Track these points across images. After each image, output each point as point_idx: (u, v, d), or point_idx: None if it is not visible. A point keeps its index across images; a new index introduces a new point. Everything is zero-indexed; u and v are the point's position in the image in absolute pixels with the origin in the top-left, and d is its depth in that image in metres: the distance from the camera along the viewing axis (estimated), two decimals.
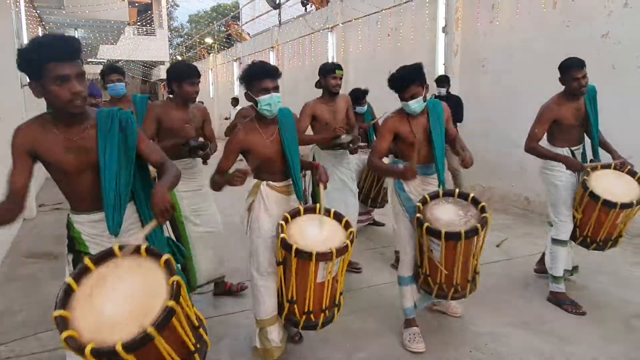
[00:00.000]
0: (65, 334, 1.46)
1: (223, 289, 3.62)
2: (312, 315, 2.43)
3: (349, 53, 10.33)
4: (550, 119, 3.37)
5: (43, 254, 4.79)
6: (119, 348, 1.41)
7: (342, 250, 2.27)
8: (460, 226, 2.58)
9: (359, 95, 4.70)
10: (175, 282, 1.58)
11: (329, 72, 3.79)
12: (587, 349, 2.87)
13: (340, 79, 3.84)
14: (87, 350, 1.41)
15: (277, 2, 14.69)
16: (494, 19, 6.71)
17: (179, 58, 30.53)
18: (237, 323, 3.22)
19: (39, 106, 8.62)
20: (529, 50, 6.19)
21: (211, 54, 22.24)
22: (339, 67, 3.84)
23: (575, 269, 3.77)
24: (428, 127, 2.81)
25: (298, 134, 2.68)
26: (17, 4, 6.17)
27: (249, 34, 19.13)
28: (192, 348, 1.69)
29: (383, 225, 5.56)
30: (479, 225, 2.54)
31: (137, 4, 27.42)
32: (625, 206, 3.10)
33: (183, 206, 3.25)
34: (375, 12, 8.99)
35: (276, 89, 2.43)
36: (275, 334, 2.59)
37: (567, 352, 2.84)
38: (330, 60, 10.72)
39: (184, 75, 3.15)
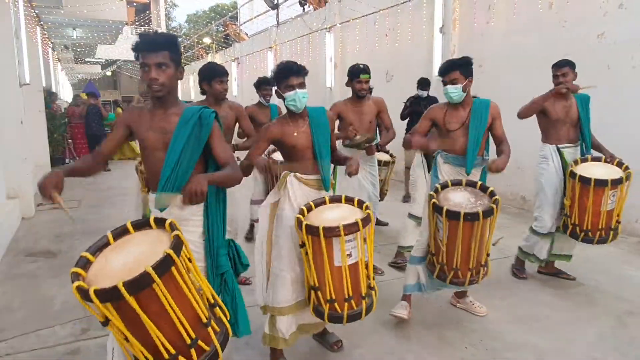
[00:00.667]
0: (76, 283, 1.53)
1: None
2: (335, 305, 2.39)
3: (346, 53, 10.37)
4: (540, 105, 3.65)
5: (42, 253, 4.81)
6: (120, 285, 1.46)
7: (349, 227, 2.26)
8: (464, 209, 2.70)
9: (260, 84, 4.88)
10: (175, 236, 1.66)
11: (354, 76, 3.86)
12: (580, 344, 2.91)
13: (366, 82, 3.87)
14: (91, 291, 1.47)
15: (275, 2, 14.72)
16: (490, 19, 6.75)
17: None
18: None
19: (37, 106, 8.62)
20: (525, 50, 6.23)
21: (209, 54, 22.25)
22: (364, 71, 3.85)
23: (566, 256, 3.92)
24: (467, 121, 3.10)
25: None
26: (16, 3, 6.18)
27: (247, 34, 19.15)
28: (205, 320, 1.71)
29: (386, 224, 5.58)
30: (480, 212, 2.63)
31: (135, 4, 27.41)
32: (600, 183, 3.31)
33: None
34: (372, 13, 9.03)
35: (301, 85, 2.55)
36: (283, 325, 2.60)
37: (561, 348, 2.88)
38: (328, 60, 10.76)
39: (212, 74, 3.39)
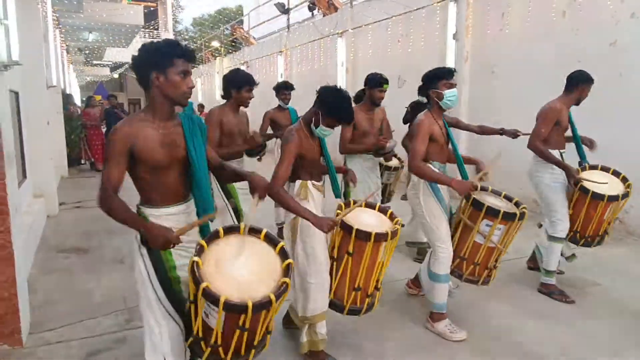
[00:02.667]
0: (222, 298, 1.70)
1: None
2: (372, 299, 2.74)
3: (358, 58, 10.54)
4: (555, 120, 3.63)
5: (73, 249, 4.97)
6: (249, 304, 1.71)
7: (394, 233, 2.59)
8: (512, 209, 3.00)
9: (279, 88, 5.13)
10: (289, 264, 1.90)
11: (376, 85, 3.99)
12: (602, 339, 3.07)
13: (385, 91, 4.05)
14: (250, 305, 1.71)
15: (286, 7, 14.92)
16: (504, 26, 6.92)
17: None
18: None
19: (56, 107, 8.75)
20: (538, 57, 6.39)
21: (217, 58, 22.45)
22: (386, 81, 4.00)
23: (572, 256, 4.05)
24: (445, 129, 3.16)
25: (344, 143, 3.27)
26: (45, 8, 6.37)
27: (254, 38, 19.34)
28: (269, 329, 1.97)
29: (403, 226, 5.71)
30: (526, 210, 2.97)
31: (148, 7, 27.60)
32: (612, 198, 3.46)
33: (241, 201, 3.55)
34: (385, 19, 9.20)
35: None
36: (324, 328, 2.76)
37: (584, 342, 3.03)
38: (339, 65, 10.93)
39: (243, 82, 3.47)
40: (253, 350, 1.92)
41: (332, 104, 2.61)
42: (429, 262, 3.22)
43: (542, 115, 3.66)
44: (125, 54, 21.85)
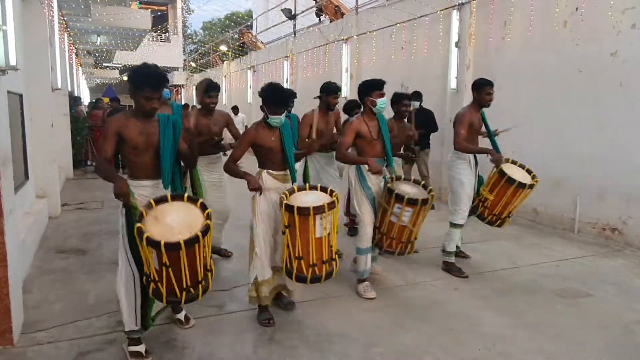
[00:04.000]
0: (146, 234, 2.41)
1: (218, 251, 4.69)
2: (316, 269, 3.08)
3: (362, 64, 10.58)
4: (468, 122, 4.27)
5: (72, 250, 5.04)
6: (181, 242, 2.41)
7: (331, 205, 3.01)
8: (418, 196, 3.69)
9: (354, 106, 5.54)
10: (208, 213, 2.62)
11: (333, 92, 4.74)
12: (591, 350, 3.05)
13: (338, 97, 4.80)
14: (162, 243, 2.39)
15: (293, 13, 15.02)
16: (506, 35, 6.93)
17: (192, 64, 31.03)
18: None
19: (62, 109, 8.88)
20: (539, 66, 6.39)
21: (225, 62, 22.62)
22: (340, 88, 4.79)
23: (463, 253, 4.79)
24: (379, 128, 3.86)
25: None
26: (52, 12, 6.48)
27: (262, 43, 19.49)
28: (208, 268, 2.67)
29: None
30: (429, 197, 3.71)
31: (157, 12, 27.92)
32: (521, 185, 4.11)
33: (207, 192, 4.32)
34: (389, 26, 9.24)
35: (285, 112, 3.30)
36: (266, 290, 3.33)
37: (572, 353, 3.02)
38: (344, 71, 10.98)
39: (206, 89, 4.27)
40: (200, 286, 2.61)
41: (266, 94, 3.23)
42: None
43: (457, 120, 4.30)
44: (135, 57, 22.13)
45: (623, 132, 5.39)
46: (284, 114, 3.27)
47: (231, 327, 3.30)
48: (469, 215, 4.44)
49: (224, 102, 21.29)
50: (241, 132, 4.02)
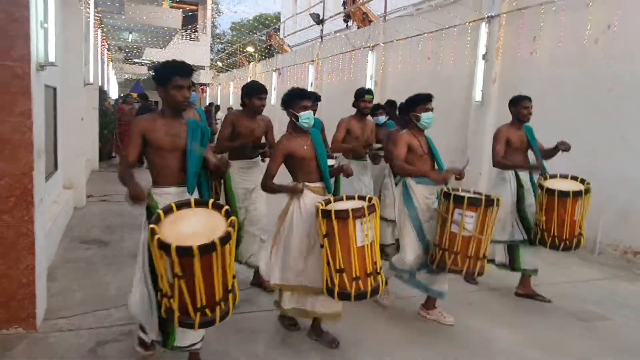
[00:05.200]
0: (157, 236, 2.14)
1: (257, 280, 3.99)
2: (360, 283, 2.78)
3: (387, 73, 10.59)
4: (505, 138, 4.16)
5: (94, 241, 5.19)
6: (194, 247, 2.09)
7: (371, 207, 2.80)
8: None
9: (376, 108, 5.45)
10: (232, 220, 2.31)
11: (360, 96, 4.60)
12: None
13: (370, 102, 4.61)
14: (173, 246, 2.08)
15: (321, 18, 15.12)
16: (535, 50, 6.85)
17: (219, 64, 31.46)
18: (271, 319, 3.47)
19: (92, 103, 9.12)
20: (567, 83, 6.31)
21: (251, 63, 22.88)
22: (368, 92, 4.60)
23: (534, 271, 4.22)
24: (428, 145, 3.67)
25: (336, 143, 3.71)
26: (88, 10, 6.69)
27: (289, 46, 19.66)
28: (230, 287, 2.33)
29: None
30: (495, 199, 3.27)
31: (188, 12, 28.40)
32: (577, 194, 3.74)
33: (239, 199, 3.97)
34: (416, 35, 9.24)
35: (312, 108, 3.16)
36: (288, 301, 3.16)
37: None
38: (368, 79, 11.01)
39: (254, 91, 3.90)
40: (218, 308, 2.27)
41: (288, 94, 3.14)
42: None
43: (494, 137, 4.23)
44: (164, 54, 22.55)
45: None
46: (310, 112, 3.10)
47: (245, 326, 3.36)
48: (531, 243, 4.07)
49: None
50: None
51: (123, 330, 3.20)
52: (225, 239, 2.18)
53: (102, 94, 11.67)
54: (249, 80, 21.93)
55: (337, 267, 2.78)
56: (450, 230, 3.29)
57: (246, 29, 36.40)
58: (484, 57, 7.64)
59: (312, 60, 14.64)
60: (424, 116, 3.56)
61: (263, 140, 4.11)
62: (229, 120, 4.01)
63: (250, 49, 25.47)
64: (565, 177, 4.03)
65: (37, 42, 2.99)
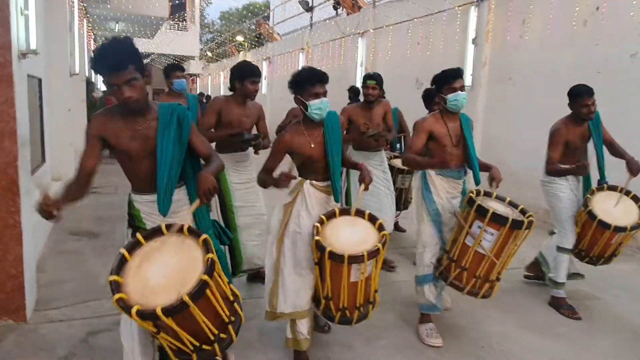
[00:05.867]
0: (117, 296, 1.73)
1: (256, 274, 3.88)
2: (347, 312, 2.55)
3: (378, 59, 10.54)
4: (563, 142, 3.57)
5: (85, 233, 5.15)
6: (158, 311, 1.67)
7: (373, 254, 2.37)
8: (510, 216, 2.73)
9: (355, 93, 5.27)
10: (210, 259, 1.82)
11: (362, 83, 4.23)
12: (595, 353, 3.05)
13: (373, 88, 4.12)
14: (133, 311, 1.68)
15: (310, 5, 14.98)
16: (524, 33, 6.84)
17: (209, 54, 31.14)
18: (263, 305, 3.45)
19: (80, 95, 9.02)
20: (557, 66, 6.31)
21: (241, 52, 22.67)
22: (370, 77, 4.16)
23: (577, 275, 3.89)
24: (461, 133, 3.07)
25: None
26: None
27: (279, 34, 19.48)
28: (227, 320, 1.96)
29: (404, 231, 5.64)
30: (526, 220, 2.70)
31: (175, 1, 28.01)
32: (619, 229, 3.28)
33: (235, 197, 3.57)
34: (406, 21, 9.18)
35: (325, 93, 2.57)
36: (304, 327, 2.70)
37: (576, 355, 3.02)
38: (359, 65, 10.96)
39: (246, 74, 3.44)
40: (215, 345, 1.92)
41: (296, 76, 2.61)
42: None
43: (549, 140, 3.63)
44: (151, 45, 22.24)
45: None
46: (325, 99, 2.56)
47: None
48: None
49: None
50: None
51: (115, 319, 3.14)
52: (197, 292, 1.73)
53: (90, 85, 11.49)
54: None
55: (325, 294, 2.55)
56: (464, 241, 2.88)
57: (235, 18, 36.03)
58: (473, 41, 7.62)
59: (302, 48, 14.54)
60: (451, 97, 2.96)
61: (254, 130, 3.74)
62: (215, 106, 3.51)
63: (239, 38, 25.22)
64: (627, 193, 3.48)
65: (17, 30, 2.92)
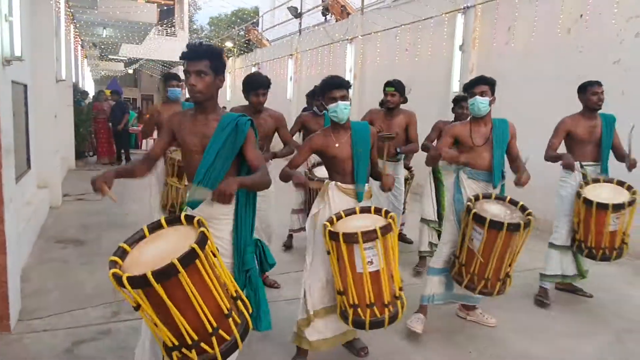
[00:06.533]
0: (112, 271, 1.72)
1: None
2: (359, 310, 2.51)
3: (366, 65, 10.60)
4: (564, 132, 3.79)
5: (71, 240, 5.09)
6: (149, 275, 1.65)
7: (385, 228, 2.43)
8: (505, 220, 2.85)
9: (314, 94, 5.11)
10: (201, 232, 1.84)
11: (383, 89, 4.20)
12: (580, 357, 3.09)
13: (392, 95, 4.14)
14: (124, 278, 1.67)
15: (299, 11, 15.04)
16: (509, 40, 6.94)
17: None
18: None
19: (67, 100, 8.92)
20: (542, 72, 6.40)
21: (230, 58, 22.65)
22: (389, 84, 4.13)
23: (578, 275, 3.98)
24: (490, 137, 3.22)
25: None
26: (58, 4, 6.52)
27: (268, 40, 19.51)
28: (226, 311, 1.86)
29: (411, 242, 5.45)
30: (522, 222, 2.82)
31: (164, 6, 27.96)
32: (617, 207, 3.45)
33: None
34: (394, 27, 9.26)
35: (343, 98, 2.72)
36: (312, 329, 2.76)
37: (563, 357, 3.05)
38: (348, 71, 11.00)
39: (249, 88, 3.58)
40: (213, 338, 1.83)
41: (320, 84, 2.82)
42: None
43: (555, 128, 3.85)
44: (140, 50, 22.15)
45: (623, 140, 5.39)
46: (347, 102, 2.72)
47: None
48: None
49: (227, 98, 21.35)
50: None
51: (101, 329, 3.14)
52: (187, 257, 1.73)
53: (83, 93, 11.42)
54: (228, 76, 21.73)
55: (338, 289, 2.60)
56: (467, 245, 3.02)
57: (224, 24, 36.01)
58: (460, 48, 7.71)
59: (291, 54, 14.57)
60: (469, 102, 3.19)
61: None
62: None
63: (229, 44, 25.19)
64: (609, 181, 3.69)
65: (1, 37, 2.90)
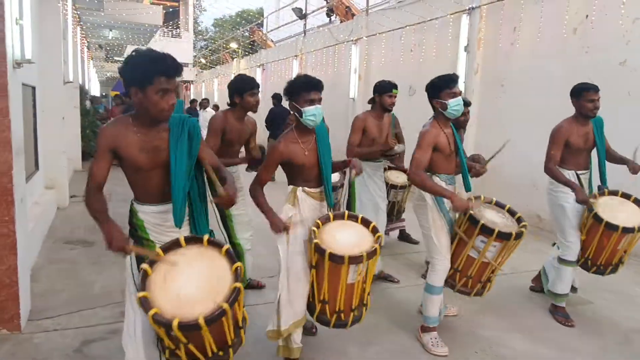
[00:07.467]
0: (151, 312, 1.75)
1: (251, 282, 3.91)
2: (342, 315, 2.60)
3: (371, 66, 10.61)
4: (563, 140, 3.52)
5: (79, 241, 5.13)
6: (201, 321, 1.74)
7: (371, 254, 2.43)
8: (513, 230, 2.90)
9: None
10: (237, 268, 1.91)
11: (385, 91, 3.97)
12: (586, 356, 3.08)
13: (396, 97, 4.03)
14: (175, 324, 1.72)
15: (303, 12, 15.08)
16: (515, 41, 6.93)
17: (203, 61, 31.18)
18: (259, 313, 3.46)
19: (73, 102, 9.00)
20: (547, 72, 6.40)
21: (235, 59, 22.72)
22: (395, 86, 4.00)
23: (573, 289, 3.80)
24: (454, 139, 3.09)
25: (351, 147, 3.05)
26: (65, 6, 6.58)
27: (272, 41, 19.56)
28: (230, 343, 1.99)
29: (417, 243, 5.42)
30: (524, 230, 2.91)
31: (169, 8, 28.07)
32: (627, 230, 3.25)
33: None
34: (399, 28, 9.27)
35: (320, 100, 2.60)
36: (298, 336, 2.76)
37: (568, 359, 3.05)
38: (352, 72, 11.02)
39: (244, 88, 3.43)
40: (230, 350, 2.00)
41: (292, 82, 2.65)
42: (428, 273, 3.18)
43: (550, 137, 3.59)
44: None
45: (630, 141, 5.37)
46: (319, 106, 2.58)
47: None
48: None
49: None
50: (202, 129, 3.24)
51: (109, 328, 3.18)
52: (234, 299, 1.83)
53: (94, 99, 11.48)
54: (232, 77, 21.81)
55: (321, 298, 2.58)
56: (467, 253, 2.99)
57: (229, 25, 36.14)
58: (465, 48, 7.70)
59: (296, 55, 14.60)
60: (452, 102, 2.92)
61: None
62: (218, 126, 3.44)
63: (233, 45, 25.28)
64: (627, 197, 3.47)
65: (12, 40, 2.94)
